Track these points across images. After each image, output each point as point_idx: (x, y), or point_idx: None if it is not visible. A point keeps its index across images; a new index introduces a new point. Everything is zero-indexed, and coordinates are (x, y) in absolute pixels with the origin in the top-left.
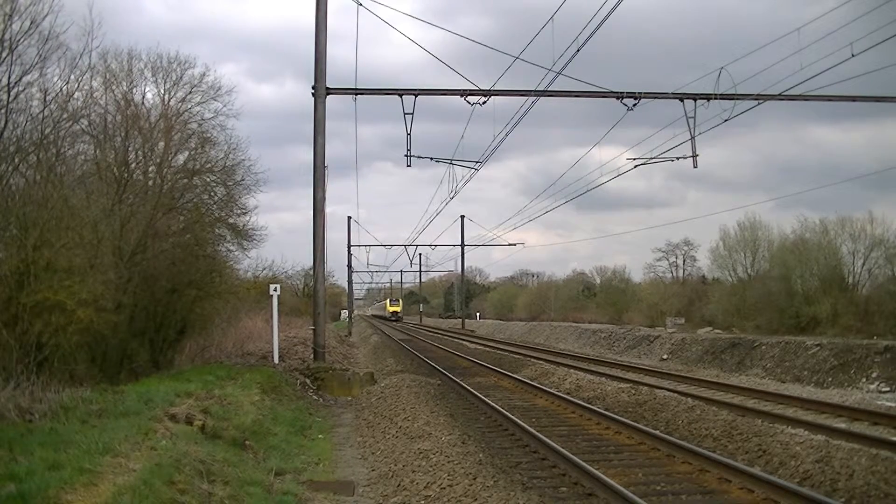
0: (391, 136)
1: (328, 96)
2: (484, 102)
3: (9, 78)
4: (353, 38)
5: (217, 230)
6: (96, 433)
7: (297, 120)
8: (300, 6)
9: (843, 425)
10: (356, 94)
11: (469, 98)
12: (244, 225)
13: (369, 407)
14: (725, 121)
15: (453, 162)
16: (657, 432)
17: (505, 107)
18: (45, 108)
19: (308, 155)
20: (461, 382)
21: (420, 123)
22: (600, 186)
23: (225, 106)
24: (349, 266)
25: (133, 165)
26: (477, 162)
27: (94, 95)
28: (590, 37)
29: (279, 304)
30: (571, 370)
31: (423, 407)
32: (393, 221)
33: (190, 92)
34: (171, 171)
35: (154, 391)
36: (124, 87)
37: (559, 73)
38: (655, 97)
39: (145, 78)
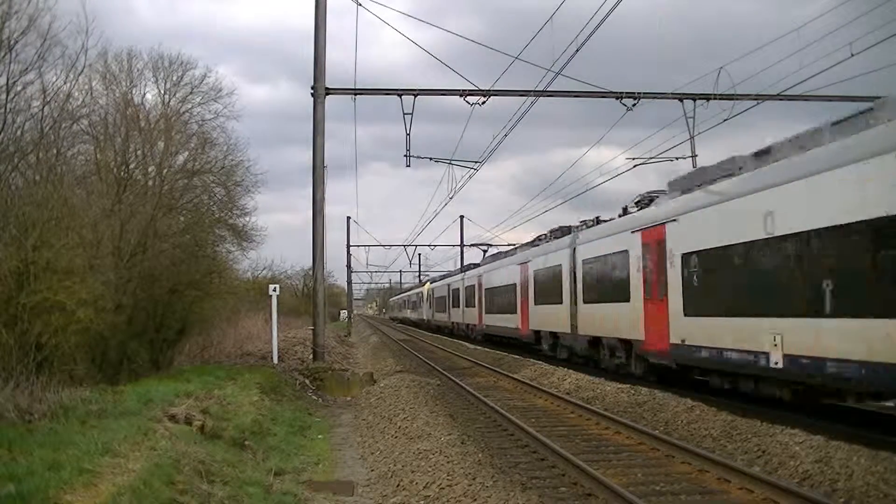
0: (385, 137)
1: (327, 97)
2: (483, 102)
3: (7, 77)
4: (342, 39)
5: (217, 231)
6: (96, 433)
7: (292, 121)
8: (292, 8)
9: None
10: (355, 95)
11: (468, 98)
12: (244, 225)
13: (369, 407)
14: (725, 120)
15: (453, 162)
16: (656, 432)
17: (502, 107)
18: (44, 107)
19: (303, 156)
20: (460, 383)
21: (415, 124)
22: (596, 187)
23: (225, 107)
24: (348, 266)
25: (133, 166)
26: (476, 162)
27: (94, 95)
28: (589, 36)
29: (278, 304)
30: (570, 370)
31: (422, 407)
32: (389, 222)
33: (190, 92)
34: (170, 172)
35: (154, 391)
36: (124, 88)
37: (558, 74)
38: (655, 97)
39: (145, 78)
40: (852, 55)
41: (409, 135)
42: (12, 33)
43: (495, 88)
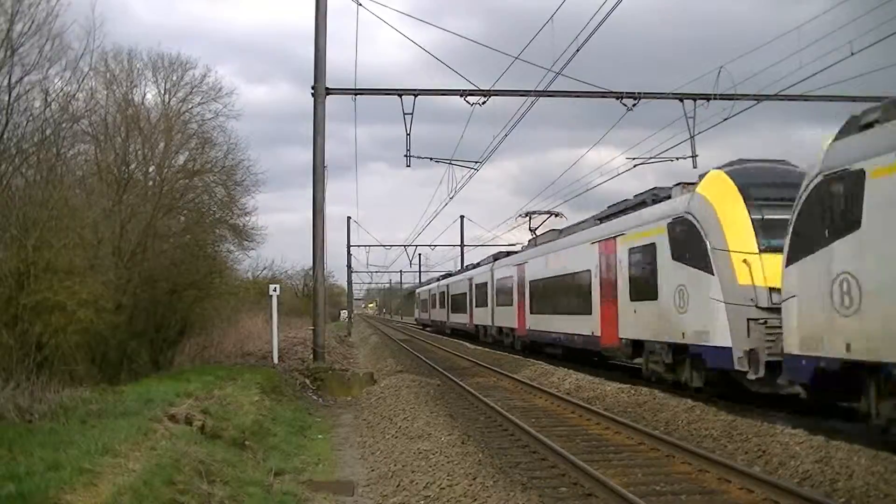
0: (383, 137)
1: (327, 97)
2: (484, 103)
3: (10, 79)
4: (342, 39)
5: (217, 231)
6: (96, 433)
7: (292, 121)
8: (291, 8)
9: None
10: (356, 95)
11: (468, 98)
12: (244, 225)
13: (369, 407)
14: (725, 119)
15: (453, 162)
16: (657, 432)
17: (502, 107)
18: (45, 108)
19: (303, 156)
20: (461, 383)
21: (415, 124)
22: (596, 187)
23: (225, 107)
24: (349, 266)
25: (133, 166)
26: (477, 162)
27: (95, 96)
28: (589, 37)
29: (279, 304)
30: (571, 370)
31: (422, 407)
32: (389, 222)
33: (190, 92)
34: (171, 172)
35: (154, 391)
36: (125, 88)
37: (559, 74)
38: (655, 97)
39: (146, 78)
40: (852, 54)
41: (409, 135)
42: (17, 35)
43: (495, 88)
